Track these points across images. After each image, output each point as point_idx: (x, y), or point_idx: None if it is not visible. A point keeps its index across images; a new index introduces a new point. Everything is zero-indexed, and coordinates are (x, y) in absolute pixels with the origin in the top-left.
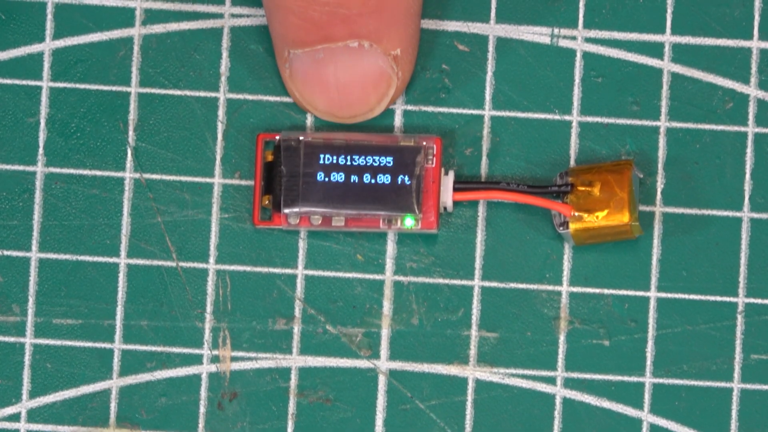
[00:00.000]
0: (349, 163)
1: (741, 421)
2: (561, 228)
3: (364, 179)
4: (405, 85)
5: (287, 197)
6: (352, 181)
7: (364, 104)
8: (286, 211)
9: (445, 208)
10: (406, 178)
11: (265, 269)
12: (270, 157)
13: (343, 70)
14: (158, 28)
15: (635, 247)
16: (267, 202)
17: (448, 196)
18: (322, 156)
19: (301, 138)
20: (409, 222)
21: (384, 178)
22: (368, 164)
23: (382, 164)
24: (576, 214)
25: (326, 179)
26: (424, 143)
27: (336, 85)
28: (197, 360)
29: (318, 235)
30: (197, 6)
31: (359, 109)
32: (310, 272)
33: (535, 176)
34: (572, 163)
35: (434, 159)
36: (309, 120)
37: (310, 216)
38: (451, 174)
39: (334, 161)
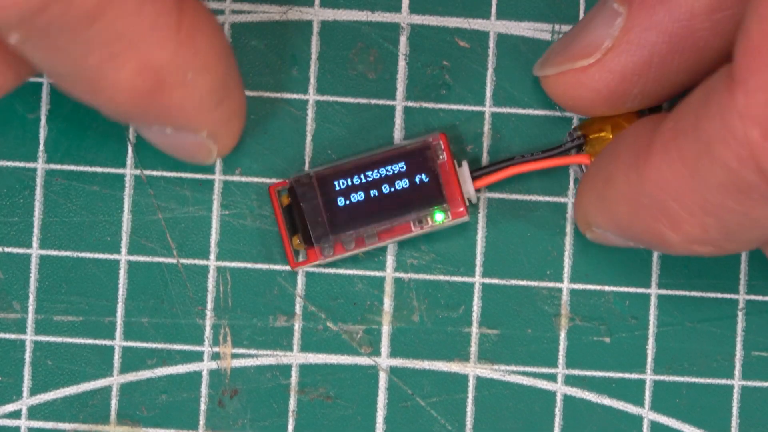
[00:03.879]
0: (364, 180)
1: (742, 418)
2: None
3: (383, 190)
4: (232, 144)
5: (315, 232)
6: (372, 196)
7: (195, 161)
8: (319, 245)
9: (469, 200)
10: (424, 176)
11: (265, 266)
12: (287, 201)
13: (161, 141)
14: None
15: None
16: (298, 241)
17: (469, 186)
18: (336, 183)
19: (311, 173)
20: (439, 216)
21: (402, 183)
22: (383, 175)
23: (396, 171)
24: None
25: (347, 202)
26: (431, 140)
27: (168, 149)
28: (198, 357)
29: None
30: None
31: (193, 162)
32: (311, 269)
33: (536, 172)
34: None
35: (444, 153)
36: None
37: (343, 242)
38: (465, 164)
39: (350, 183)
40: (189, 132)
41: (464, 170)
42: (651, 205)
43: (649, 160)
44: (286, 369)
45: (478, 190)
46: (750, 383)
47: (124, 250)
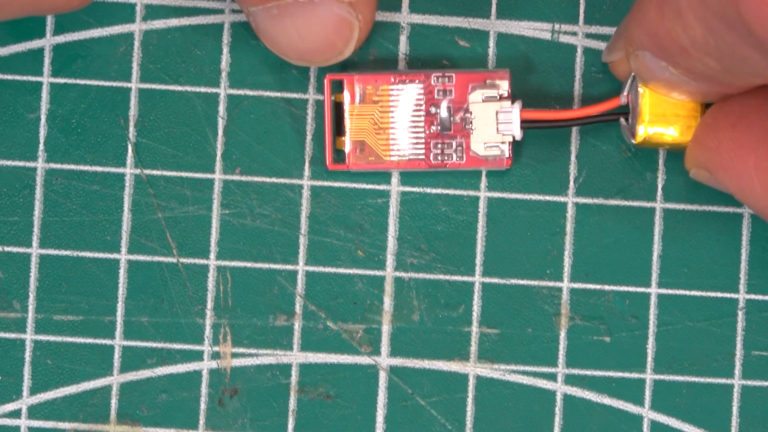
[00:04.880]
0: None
1: (742, 417)
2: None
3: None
4: (370, 26)
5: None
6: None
7: (332, 50)
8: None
9: (514, 137)
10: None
11: (265, 265)
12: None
13: (301, 23)
14: (159, 24)
15: (636, 242)
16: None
17: (516, 123)
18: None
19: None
20: None
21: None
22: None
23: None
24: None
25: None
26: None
27: (298, 36)
28: (198, 356)
29: (319, 232)
30: (198, 2)
31: (328, 54)
32: (311, 268)
33: (536, 172)
34: (573, 158)
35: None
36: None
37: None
38: (518, 103)
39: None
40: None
41: (516, 107)
42: (672, 4)
43: None
44: (286, 368)
45: (522, 124)
46: (750, 383)
47: (124, 249)
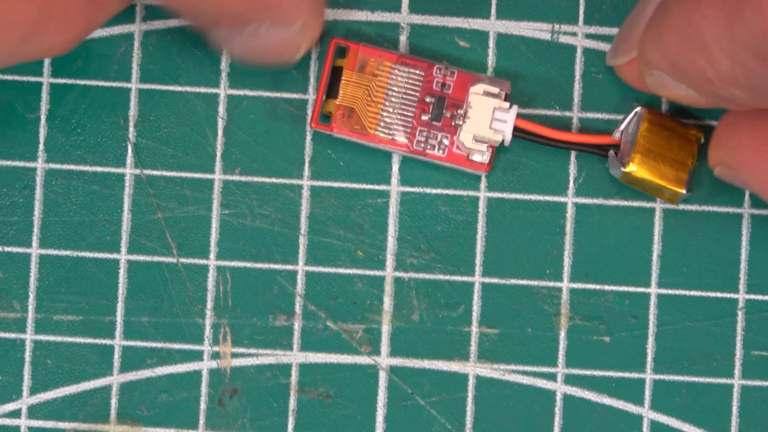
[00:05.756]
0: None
1: (742, 417)
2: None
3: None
4: (319, 32)
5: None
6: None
7: (284, 56)
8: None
9: (503, 139)
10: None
11: (265, 265)
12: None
13: (251, 44)
14: (158, 24)
15: (636, 242)
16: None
17: (509, 126)
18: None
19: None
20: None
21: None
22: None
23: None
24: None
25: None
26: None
27: (249, 50)
28: (198, 356)
29: (319, 232)
30: None
31: (281, 59)
32: (311, 268)
33: (536, 172)
34: (572, 159)
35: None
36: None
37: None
38: (515, 108)
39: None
40: (285, 25)
41: (512, 111)
42: (695, 38)
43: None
44: (285, 368)
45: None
46: (750, 382)
47: (123, 249)
